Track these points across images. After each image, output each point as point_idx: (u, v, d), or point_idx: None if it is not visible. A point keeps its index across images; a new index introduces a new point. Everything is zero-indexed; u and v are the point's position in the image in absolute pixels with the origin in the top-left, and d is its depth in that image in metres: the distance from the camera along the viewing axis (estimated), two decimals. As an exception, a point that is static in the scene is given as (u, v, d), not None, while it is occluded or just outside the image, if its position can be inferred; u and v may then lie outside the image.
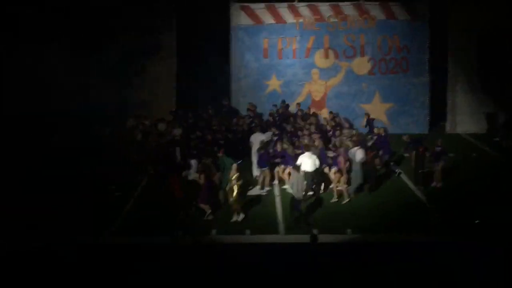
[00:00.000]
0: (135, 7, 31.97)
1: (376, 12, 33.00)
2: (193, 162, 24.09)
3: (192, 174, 23.65)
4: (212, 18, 32.59)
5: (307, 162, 23.28)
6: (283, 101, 31.32)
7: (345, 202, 23.42)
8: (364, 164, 23.98)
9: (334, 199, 23.60)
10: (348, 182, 23.86)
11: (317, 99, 33.16)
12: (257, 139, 26.11)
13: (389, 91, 33.25)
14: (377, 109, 32.92)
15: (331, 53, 33.07)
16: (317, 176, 23.83)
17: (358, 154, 23.93)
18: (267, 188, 24.60)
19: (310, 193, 23.74)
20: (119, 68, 31.79)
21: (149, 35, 32.31)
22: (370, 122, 29.52)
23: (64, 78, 31.10)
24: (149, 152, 26.63)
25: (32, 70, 30.71)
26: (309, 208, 22.43)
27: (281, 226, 21.29)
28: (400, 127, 32.42)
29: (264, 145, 25.48)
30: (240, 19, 32.73)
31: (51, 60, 30.93)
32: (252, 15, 32.74)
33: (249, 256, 18.54)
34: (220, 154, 24.02)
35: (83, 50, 31.18)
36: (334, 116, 29.56)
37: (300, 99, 32.50)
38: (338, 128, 27.64)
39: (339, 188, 23.73)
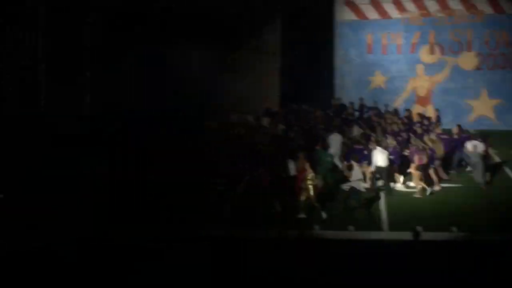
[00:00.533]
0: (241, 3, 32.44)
1: (483, 6, 32.27)
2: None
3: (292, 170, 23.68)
4: (316, 13, 32.60)
5: (379, 157, 23.39)
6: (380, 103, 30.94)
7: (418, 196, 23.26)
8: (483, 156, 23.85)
9: (418, 195, 23.36)
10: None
11: (422, 94, 32.73)
12: (334, 140, 25.72)
13: (497, 87, 32.45)
14: (485, 105, 32.21)
15: (436, 48, 32.58)
16: (386, 171, 23.75)
17: (479, 146, 23.95)
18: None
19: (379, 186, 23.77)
20: (226, 64, 32.31)
21: (254, 31, 32.70)
22: None
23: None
24: (251, 147, 26.90)
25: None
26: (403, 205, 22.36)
27: (385, 223, 21.14)
28: (508, 124, 31.59)
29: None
30: (344, 14, 32.70)
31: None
32: (356, 10, 32.64)
33: (353, 252, 18.48)
34: (318, 147, 24.07)
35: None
36: (422, 115, 28.94)
37: (404, 95, 32.20)
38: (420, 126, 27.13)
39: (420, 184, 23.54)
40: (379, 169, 23.55)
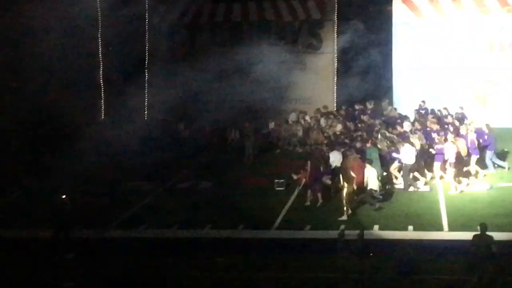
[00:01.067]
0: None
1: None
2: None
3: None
4: (373, 12, 32.40)
5: (407, 154, 23.40)
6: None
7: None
8: None
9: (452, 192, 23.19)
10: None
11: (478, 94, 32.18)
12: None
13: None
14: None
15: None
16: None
17: None
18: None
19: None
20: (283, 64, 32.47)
21: (311, 30, 32.72)
22: None
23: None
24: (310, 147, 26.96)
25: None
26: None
27: (445, 223, 20.83)
28: None
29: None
30: (402, 12, 32.28)
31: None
32: (414, 9, 32.22)
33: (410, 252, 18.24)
34: (368, 145, 23.99)
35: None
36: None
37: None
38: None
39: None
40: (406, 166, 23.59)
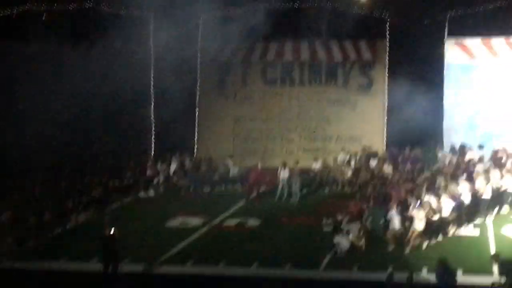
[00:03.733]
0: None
1: None
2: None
3: None
4: (425, 54, 32.26)
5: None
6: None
7: None
8: None
9: None
10: None
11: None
12: None
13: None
14: None
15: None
16: None
17: None
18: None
19: None
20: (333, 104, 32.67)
21: (361, 70, 32.81)
22: None
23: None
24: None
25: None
26: None
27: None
28: None
29: None
30: (454, 54, 32.10)
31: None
32: (467, 50, 32.00)
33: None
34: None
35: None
36: None
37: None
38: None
39: None
40: None
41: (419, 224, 21.95)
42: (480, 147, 29.96)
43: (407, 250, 21.65)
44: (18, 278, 20.04)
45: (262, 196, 29.18)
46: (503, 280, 16.34)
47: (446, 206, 23.13)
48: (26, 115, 30.71)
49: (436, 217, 22.62)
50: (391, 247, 21.60)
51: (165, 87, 32.11)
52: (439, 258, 17.45)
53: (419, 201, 23.06)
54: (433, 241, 22.36)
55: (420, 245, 21.95)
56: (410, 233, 21.90)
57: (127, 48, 32.79)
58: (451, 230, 23.21)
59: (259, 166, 30.07)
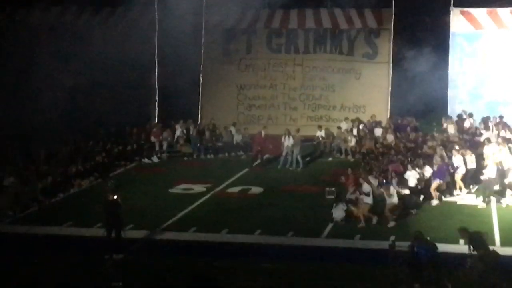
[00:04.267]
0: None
1: None
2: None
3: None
4: (430, 23, 32.09)
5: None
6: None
7: None
8: None
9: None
10: None
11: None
12: None
13: None
14: None
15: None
16: None
17: None
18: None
19: None
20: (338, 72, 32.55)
21: (367, 39, 32.62)
22: None
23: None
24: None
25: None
26: None
27: (497, 238, 20.49)
28: None
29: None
30: (460, 24, 31.89)
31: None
32: (472, 20, 31.79)
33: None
34: None
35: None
36: None
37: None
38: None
39: None
40: None
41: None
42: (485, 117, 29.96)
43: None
44: (21, 242, 20.13)
45: (266, 164, 29.24)
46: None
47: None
48: (41, 82, 31.01)
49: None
50: (391, 224, 21.59)
51: (170, 55, 32.03)
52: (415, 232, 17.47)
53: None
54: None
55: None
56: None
57: (131, 16, 32.70)
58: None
59: (263, 133, 29.97)
